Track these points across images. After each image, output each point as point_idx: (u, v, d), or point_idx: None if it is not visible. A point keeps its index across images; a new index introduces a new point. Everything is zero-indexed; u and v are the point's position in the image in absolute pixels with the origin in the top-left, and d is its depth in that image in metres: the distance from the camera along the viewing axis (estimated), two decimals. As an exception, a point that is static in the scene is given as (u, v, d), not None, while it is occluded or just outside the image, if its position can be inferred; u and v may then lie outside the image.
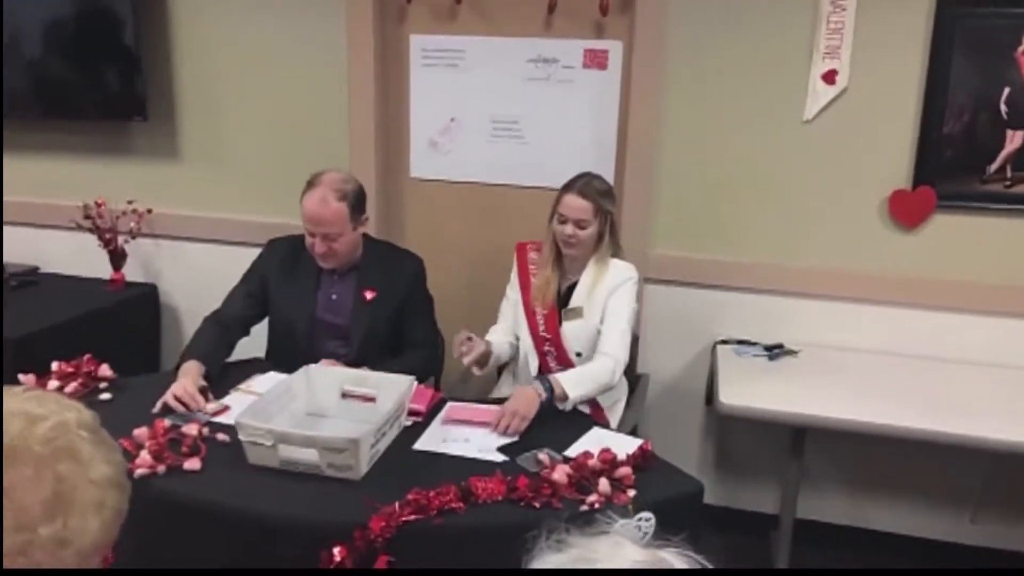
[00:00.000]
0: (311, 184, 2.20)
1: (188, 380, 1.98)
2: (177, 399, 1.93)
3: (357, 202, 2.22)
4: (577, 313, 2.23)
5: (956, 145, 2.43)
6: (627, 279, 2.23)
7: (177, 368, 2.09)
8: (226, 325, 2.27)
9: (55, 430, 0.83)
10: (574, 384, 2.05)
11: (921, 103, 2.43)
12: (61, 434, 0.83)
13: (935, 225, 2.50)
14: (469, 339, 2.08)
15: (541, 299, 2.26)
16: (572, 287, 2.27)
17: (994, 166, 2.43)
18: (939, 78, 2.39)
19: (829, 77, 2.46)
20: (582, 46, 2.69)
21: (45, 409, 0.84)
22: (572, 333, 2.24)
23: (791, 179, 2.57)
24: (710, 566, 0.71)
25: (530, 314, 2.27)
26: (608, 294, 2.21)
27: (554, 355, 2.25)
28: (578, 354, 2.24)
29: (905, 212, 2.51)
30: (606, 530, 0.74)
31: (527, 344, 2.28)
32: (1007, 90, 2.37)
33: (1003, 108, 2.39)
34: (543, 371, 2.23)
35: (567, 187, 2.21)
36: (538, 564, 0.72)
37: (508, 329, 2.34)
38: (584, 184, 2.19)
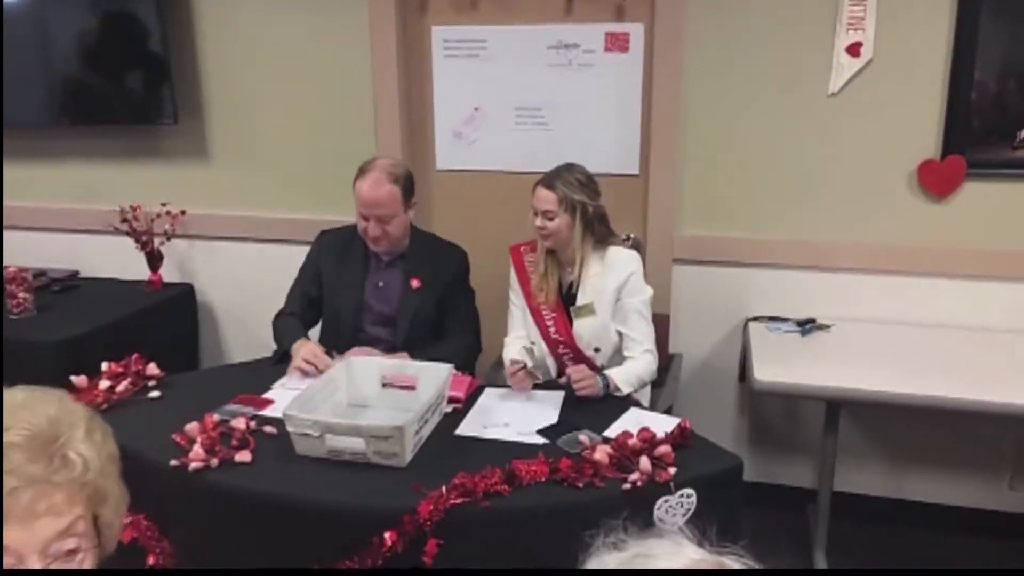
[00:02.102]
0: (363, 170, 2.28)
1: (312, 345, 2.19)
2: (307, 362, 2.14)
3: (408, 185, 2.30)
4: (589, 310, 2.23)
5: (985, 112, 2.41)
6: (631, 272, 2.22)
7: (284, 354, 2.28)
8: (295, 316, 2.38)
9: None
10: (623, 381, 2.12)
11: (948, 71, 2.41)
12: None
13: (966, 194, 2.49)
14: (523, 368, 2.11)
15: (544, 297, 2.27)
16: (572, 284, 2.27)
17: (1025, 132, 2.41)
18: (966, 45, 2.37)
19: (854, 49, 2.45)
20: (603, 30, 2.70)
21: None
22: (586, 331, 2.24)
23: (818, 153, 2.56)
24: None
25: (539, 317, 2.28)
26: (616, 290, 2.22)
27: (570, 355, 2.26)
28: (596, 349, 2.25)
29: (935, 182, 2.49)
30: (661, 531, 0.73)
31: (542, 348, 2.30)
32: (1036, 54, 2.35)
33: (1032, 73, 2.36)
34: (562, 372, 2.25)
35: (540, 179, 2.23)
36: (595, 563, 0.70)
37: (523, 336, 2.34)
38: (553, 175, 2.20)
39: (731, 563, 0.70)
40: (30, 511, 0.79)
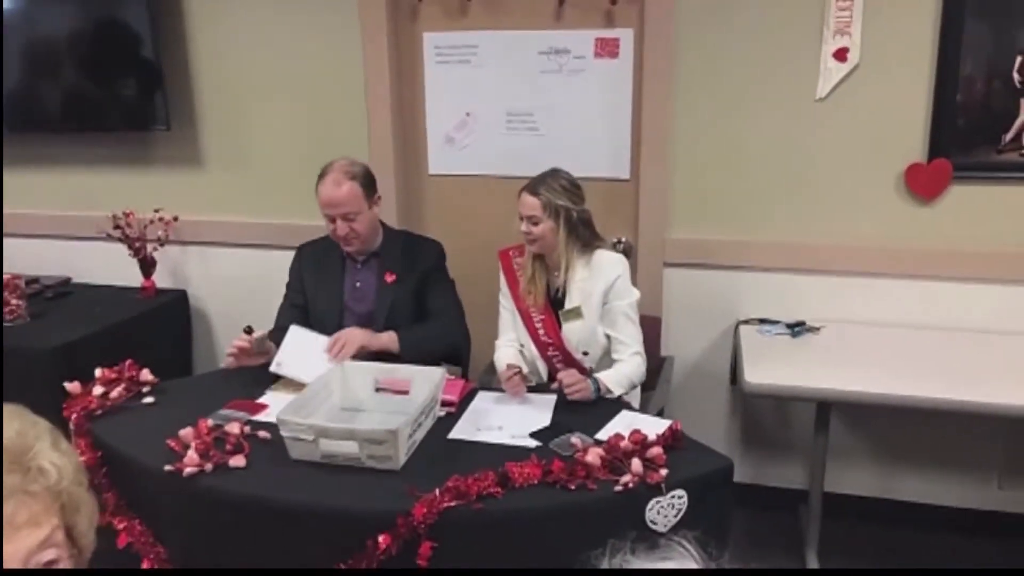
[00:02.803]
0: (322, 174, 2.32)
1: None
2: (230, 354, 2.16)
3: (367, 182, 2.34)
4: (576, 314, 2.25)
5: (971, 116, 2.45)
6: (617, 276, 2.24)
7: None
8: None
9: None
10: (614, 383, 2.15)
11: (934, 75, 2.44)
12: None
13: (952, 196, 2.52)
14: (517, 373, 2.13)
15: (532, 300, 2.29)
16: (559, 287, 2.28)
17: (1009, 135, 2.44)
18: (951, 49, 2.40)
19: (840, 55, 2.48)
20: (593, 36, 2.72)
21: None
22: (574, 334, 2.26)
23: (806, 157, 2.59)
24: None
25: (528, 320, 2.30)
26: (603, 293, 2.24)
27: (559, 358, 2.28)
28: (584, 353, 2.27)
29: (922, 185, 2.52)
30: (668, 555, 0.71)
31: (532, 351, 2.32)
32: (1020, 58, 2.38)
33: (1016, 76, 2.40)
34: (553, 375, 2.26)
35: (524, 185, 2.24)
36: None
37: (513, 339, 2.36)
38: (537, 181, 2.22)
39: None
40: (10, 523, 0.79)
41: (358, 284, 2.42)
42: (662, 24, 2.59)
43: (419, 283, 2.40)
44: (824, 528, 2.51)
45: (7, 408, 0.87)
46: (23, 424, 0.86)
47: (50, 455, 0.84)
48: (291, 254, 2.55)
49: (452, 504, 1.59)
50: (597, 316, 2.25)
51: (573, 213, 2.21)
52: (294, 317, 2.44)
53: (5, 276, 2.78)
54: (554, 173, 2.25)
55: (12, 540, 0.79)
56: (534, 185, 2.22)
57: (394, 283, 2.39)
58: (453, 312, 2.44)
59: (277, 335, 2.35)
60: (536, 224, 2.20)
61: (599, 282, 2.24)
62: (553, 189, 2.20)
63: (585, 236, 2.25)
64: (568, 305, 2.26)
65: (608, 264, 2.25)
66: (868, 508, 2.79)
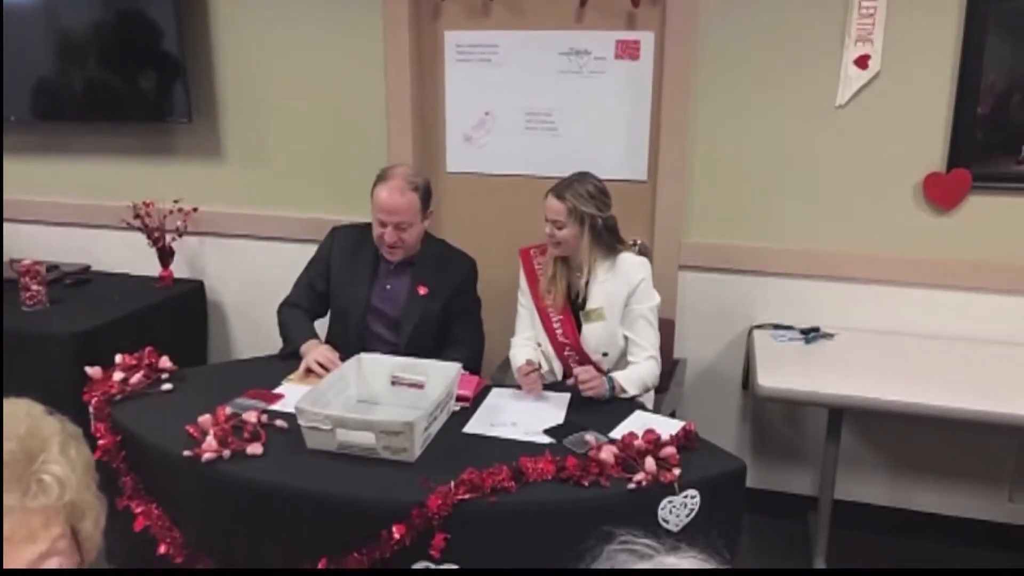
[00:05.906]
0: (383, 177, 2.31)
1: (326, 348, 2.23)
2: (320, 365, 2.17)
3: (426, 196, 2.35)
4: (599, 315, 2.26)
5: (991, 127, 2.44)
6: (641, 279, 2.25)
7: (292, 353, 2.31)
8: (301, 308, 2.42)
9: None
10: (629, 383, 2.16)
11: (955, 85, 2.44)
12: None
13: (970, 207, 2.51)
14: (536, 370, 2.14)
15: (552, 300, 2.29)
16: (581, 288, 2.29)
17: (1030, 146, 2.44)
18: (973, 59, 2.40)
19: (862, 62, 2.48)
20: (614, 37, 2.73)
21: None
22: (594, 334, 2.26)
23: (825, 164, 2.59)
24: None
25: (546, 319, 2.30)
26: (627, 296, 2.25)
27: (576, 358, 2.28)
28: (604, 354, 2.28)
29: (940, 194, 2.52)
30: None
31: (548, 350, 2.32)
32: (1042, 70, 2.38)
33: (1038, 88, 2.39)
34: (568, 374, 2.27)
35: (551, 187, 2.24)
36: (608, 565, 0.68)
37: (530, 337, 2.37)
38: (564, 185, 2.22)
39: None
40: (9, 540, 0.77)
41: (388, 287, 2.42)
42: (683, 28, 2.60)
43: (449, 300, 2.40)
44: (833, 536, 2.51)
45: (16, 405, 0.83)
46: (30, 428, 0.82)
47: (55, 466, 0.80)
48: (309, 248, 2.58)
49: (466, 497, 1.60)
50: (619, 318, 2.26)
51: (598, 220, 2.21)
52: (310, 299, 2.44)
53: (27, 262, 2.81)
54: (582, 178, 2.24)
55: (10, 556, 0.77)
56: (561, 189, 2.22)
57: (426, 296, 2.39)
58: (474, 344, 2.45)
59: (291, 315, 2.36)
60: (560, 228, 2.20)
61: (623, 285, 2.24)
62: (579, 195, 2.19)
63: (609, 242, 2.26)
64: (591, 306, 2.27)
65: (632, 267, 2.26)
66: (878, 517, 2.79)
